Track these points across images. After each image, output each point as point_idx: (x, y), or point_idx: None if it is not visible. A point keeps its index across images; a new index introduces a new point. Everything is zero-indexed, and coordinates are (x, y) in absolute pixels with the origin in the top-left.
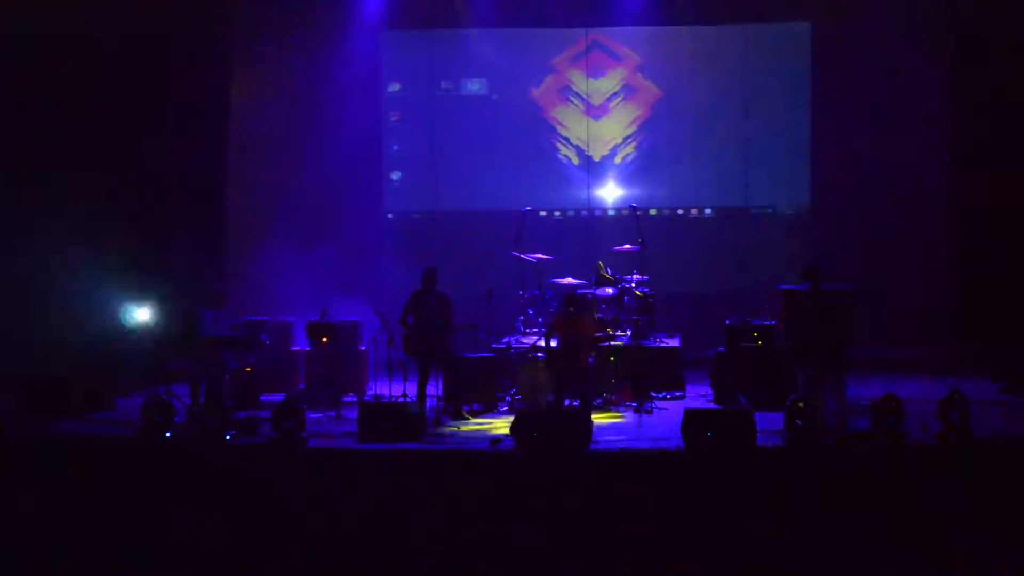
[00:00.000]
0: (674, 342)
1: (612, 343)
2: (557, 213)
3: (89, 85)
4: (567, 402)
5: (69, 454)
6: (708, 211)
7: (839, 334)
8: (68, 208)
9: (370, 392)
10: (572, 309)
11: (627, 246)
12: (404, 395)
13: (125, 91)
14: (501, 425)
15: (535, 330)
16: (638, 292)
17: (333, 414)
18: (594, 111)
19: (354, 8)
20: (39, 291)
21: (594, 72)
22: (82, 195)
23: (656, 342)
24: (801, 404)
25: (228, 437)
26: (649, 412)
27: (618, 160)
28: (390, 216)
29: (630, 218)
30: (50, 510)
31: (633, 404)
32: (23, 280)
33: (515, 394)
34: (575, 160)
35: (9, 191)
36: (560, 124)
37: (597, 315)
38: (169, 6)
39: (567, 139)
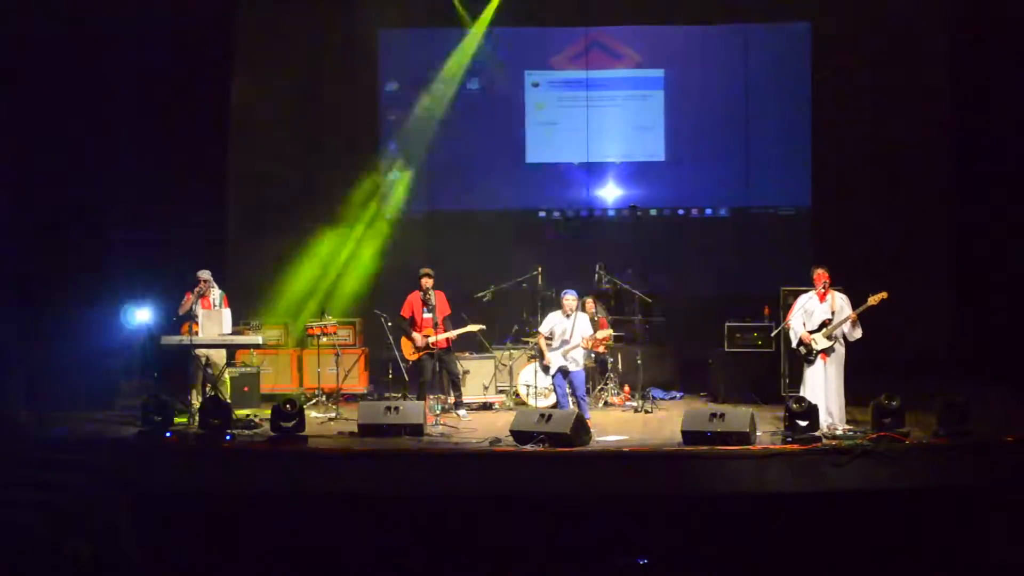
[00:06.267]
0: (674, 343)
1: (612, 343)
2: (557, 213)
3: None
4: (567, 402)
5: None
6: (708, 211)
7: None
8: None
9: (370, 392)
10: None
11: (627, 246)
12: (404, 395)
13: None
14: (501, 424)
15: (535, 330)
16: (637, 292)
17: (333, 414)
18: (594, 111)
19: (354, 7)
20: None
21: (594, 71)
22: (82, 194)
23: (656, 343)
24: (803, 404)
25: (228, 437)
26: (649, 412)
27: (618, 160)
28: (390, 216)
29: (630, 218)
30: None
31: (633, 404)
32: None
33: (515, 394)
34: (575, 160)
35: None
36: (560, 124)
37: (598, 316)
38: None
39: (567, 139)
